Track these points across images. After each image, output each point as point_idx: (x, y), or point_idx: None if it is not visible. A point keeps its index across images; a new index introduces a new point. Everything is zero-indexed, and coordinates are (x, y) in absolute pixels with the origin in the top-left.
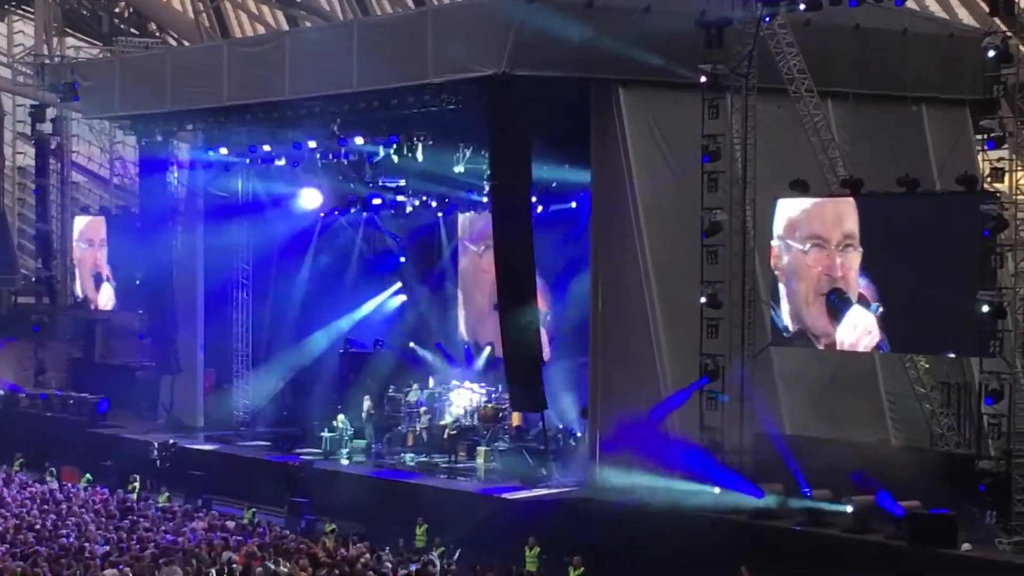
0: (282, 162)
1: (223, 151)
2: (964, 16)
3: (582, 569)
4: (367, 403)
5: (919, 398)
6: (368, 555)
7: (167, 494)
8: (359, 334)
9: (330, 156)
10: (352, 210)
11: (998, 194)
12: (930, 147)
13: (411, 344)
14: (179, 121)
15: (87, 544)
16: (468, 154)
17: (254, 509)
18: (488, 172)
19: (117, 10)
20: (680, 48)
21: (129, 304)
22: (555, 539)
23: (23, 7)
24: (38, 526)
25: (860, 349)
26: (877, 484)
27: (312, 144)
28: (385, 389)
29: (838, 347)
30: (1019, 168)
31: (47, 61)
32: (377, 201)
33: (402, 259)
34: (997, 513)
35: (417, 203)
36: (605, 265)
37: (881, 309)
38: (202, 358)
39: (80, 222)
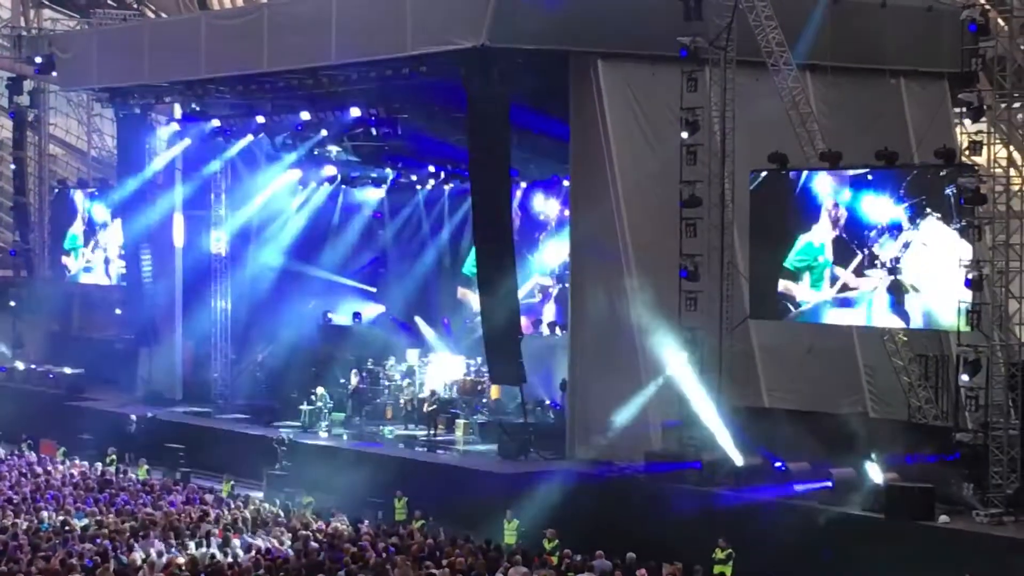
0: (261, 134)
1: (201, 123)
2: None
3: (556, 541)
4: (355, 378)
5: (897, 371)
6: (347, 527)
7: (146, 467)
8: (338, 307)
9: (309, 128)
10: (330, 183)
11: (976, 167)
12: (908, 120)
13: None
14: (157, 93)
15: (66, 517)
16: None
17: (233, 482)
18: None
19: None
20: (659, 21)
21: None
22: (533, 512)
23: None
24: (16, 499)
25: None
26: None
27: (290, 116)
28: (364, 362)
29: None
30: (997, 141)
31: (24, 33)
32: (356, 173)
33: (381, 231)
34: (974, 485)
35: (397, 175)
36: (583, 236)
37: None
38: (180, 330)
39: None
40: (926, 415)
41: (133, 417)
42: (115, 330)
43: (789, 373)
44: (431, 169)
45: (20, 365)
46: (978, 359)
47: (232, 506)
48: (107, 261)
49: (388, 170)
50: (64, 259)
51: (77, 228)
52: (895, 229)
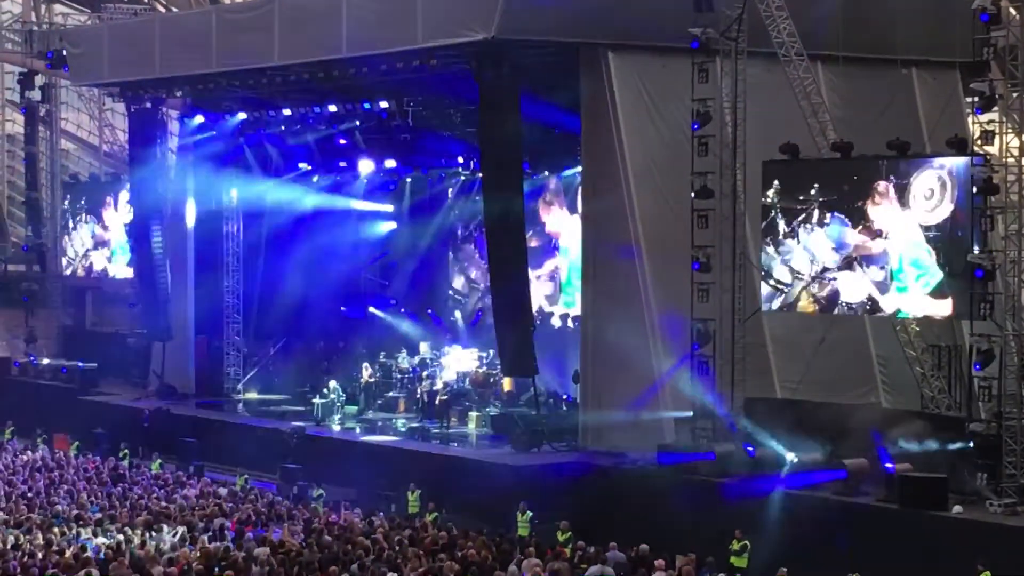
0: (271, 128)
1: (212, 117)
2: None
3: (569, 533)
4: (366, 371)
5: (910, 361)
6: (360, 520)
7: (159, 461)
8: (350, 300)
9: (320, 121)
10: (342, 175)
11: (988, 157)
12: (920, 110)
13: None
14: (168, 87)
15: (80, 511)
16: None
17: (246, 475)
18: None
19: None
20: (670, 12)
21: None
22: (547, 503)
23: None
24: (31, 493)
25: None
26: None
27: (301, 109)
28: (376, 355)
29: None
30: (1009, 131)
31: (35, 28)
32: (368, 166)
33: (394, 224)
34: (988, 475)
35: (408, 168)
36: (595, 229)
37: None
38: (193, 325)
39: None
40: (939, 405)
41: (146, 411)
42: (128, 324)
43: (802, 364)
44: (442, 161)
45: (33, 359)
46: (991, 349)
47: (245, 499)
48: (117, 254)
49: (399, 163)
50: (74, 253)
51: (89, 222)
52: None
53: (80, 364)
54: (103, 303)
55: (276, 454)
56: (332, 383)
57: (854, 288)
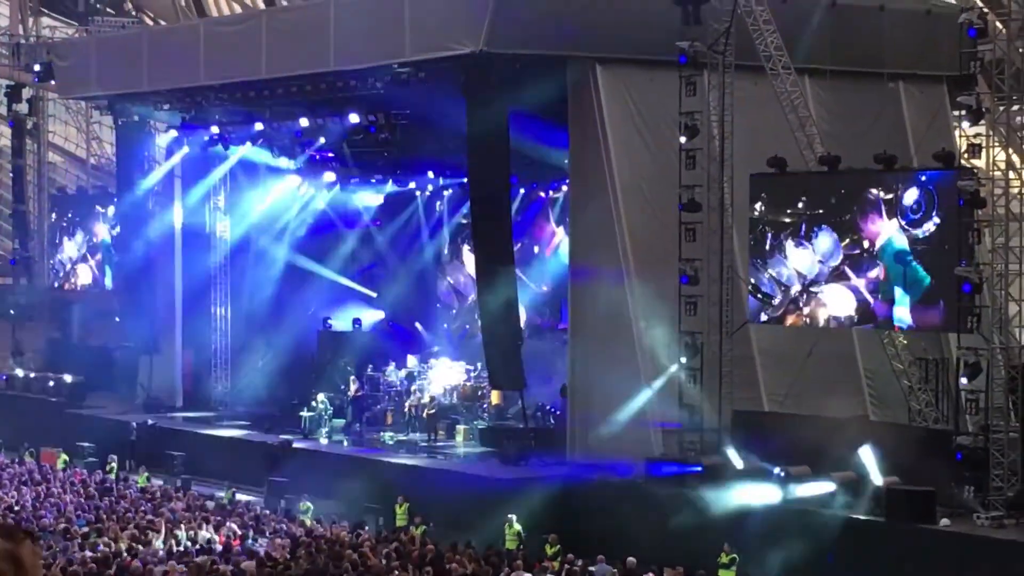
0: (260, 141)
1: (200, 131)
2: None
3: (558, 547)
4: (354, 384)
5: (897, 374)
6: (347, 533)
7: (146, 474)
8: (337, 313)
9: (307, 134)
10: (329, 189)
11: (975, 170)
12: (907, 124)
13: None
14: (156, 101)
15: (67, 524)
16: None
17: (234, 489)
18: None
19: None
20: (657, 26)
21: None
22: (534, 516)
23: None
24: (17, 507)
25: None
26: None
27: (289, 122)
28: (363, 369)
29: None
30: (995, 144)
31: (23, 41)
32: (355, 180)
33: (380, 238)
34: (975, 488)
35: (395, 181)
36: (583, 242)
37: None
38: (180, 337)
39: None
40: (926, 418)
41: (133, 424)
42: (115, 337)
43: (789, 377)
44: (430, 175)
45: (20, 373)
46: (978, 362)
47: (233, 513)
48: (102, 267)
49: (387, 176)
50: (60, 265)
51: (75, 235)
52: None
53: (67, 377)
54: (90, 316)
55: (263, 467)
56: (320, 396)
57: (841, 301)
